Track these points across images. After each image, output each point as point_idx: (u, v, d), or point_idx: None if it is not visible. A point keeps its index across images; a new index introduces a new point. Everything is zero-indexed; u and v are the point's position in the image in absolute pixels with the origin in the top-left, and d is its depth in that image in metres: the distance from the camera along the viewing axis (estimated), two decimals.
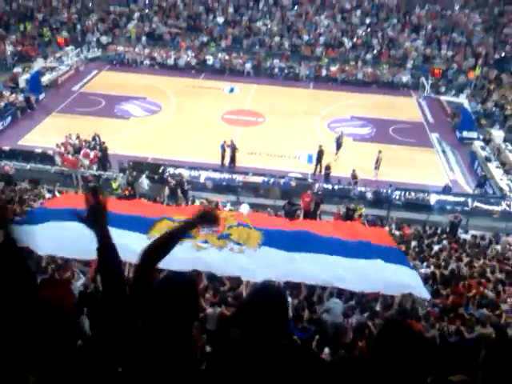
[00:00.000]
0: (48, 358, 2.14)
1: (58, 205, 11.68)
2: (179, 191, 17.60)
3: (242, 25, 34.72)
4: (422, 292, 9.77)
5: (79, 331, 2.54)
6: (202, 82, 30.15)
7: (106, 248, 2.47)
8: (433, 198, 18.60)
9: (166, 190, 17.63)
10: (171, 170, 19.27)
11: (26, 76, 26.75)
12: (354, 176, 19.30)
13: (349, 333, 9.83)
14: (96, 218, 2.50)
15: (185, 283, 2.43)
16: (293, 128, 24.31)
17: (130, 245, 9.26)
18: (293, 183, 19.14)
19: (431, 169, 21.62)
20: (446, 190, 19.26)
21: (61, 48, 31.53)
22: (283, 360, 2.31)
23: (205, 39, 33.92)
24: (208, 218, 2.79)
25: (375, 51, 33.19)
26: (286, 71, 31.49)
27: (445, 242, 15.20)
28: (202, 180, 19.29)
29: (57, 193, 15.83)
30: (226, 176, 19.73)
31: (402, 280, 9.52)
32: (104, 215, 2.51)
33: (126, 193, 17.11)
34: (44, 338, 2.14)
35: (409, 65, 32.00)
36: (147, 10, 35.75)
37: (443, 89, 29.41)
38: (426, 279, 11.58)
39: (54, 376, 2.12)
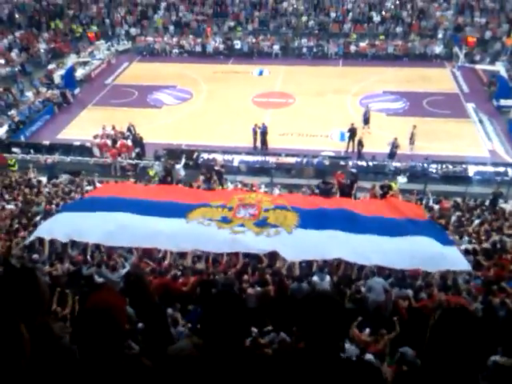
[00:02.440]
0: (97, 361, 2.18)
1: (101, 194, 12.12)
2: (214, 176, 17.83)
3: (268, 7, 34.44)
4: (463, 265, 9.64)
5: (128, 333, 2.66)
6: (230, 66, 30.22)
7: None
8: (471, 170, 18.18)
9: (201, 176, 17.90)
10: (205, 156, 19.51)
11: (61, 72, 27.44)
12: (395, 145, 19.09)
13: (389, 307, 9.91)
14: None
15: (234, 304, 2.34)
16: (324, 107, 24.12)
17: (169, 232, 9.65)
18: (326, 162, 19.06)
19: (469, 140, 21.07)
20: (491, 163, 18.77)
21: (92, 43, 32.20)
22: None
23: (231, 24, 33.87)
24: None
25: (405, 24, 32.35)
26: (314, 50, 31.14)
27: (485, 213, 14.89)
28: (235, 163, 19.47)
29: (97, 183, 16.32)
30: (259, 158, 19.82)
31: (440, 255, 9.41)
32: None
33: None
34: (95, 342, 2.17)
35: (440, 35, 31.05)
36: None
37: (478, 57, 28.42)
38: (467, 252, 11.39)
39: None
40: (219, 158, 19.16)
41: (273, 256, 10.43)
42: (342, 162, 19.12)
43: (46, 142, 20.96)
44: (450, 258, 9.53)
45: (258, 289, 9.84)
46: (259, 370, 2.29)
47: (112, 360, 2.19)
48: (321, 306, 2.28)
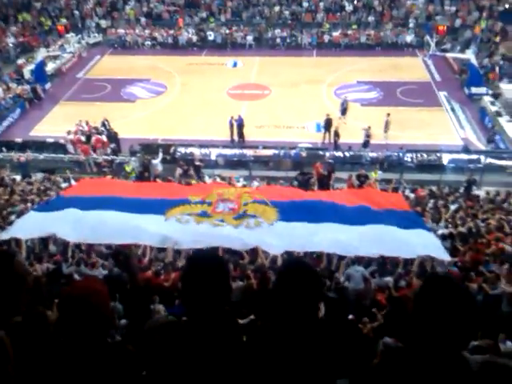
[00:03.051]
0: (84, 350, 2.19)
1: (77, 192, 11.93)
2: (191, 170, 17.75)
3: None
4: (441, 253, 9.86)
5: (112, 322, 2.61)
6: (204, 58, 29.97)
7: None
8: (445, 158, 18.52)
9: (179, 170, 17.79)
10: (182, 150, 19.38)
11: (31, 67, 26.79)
12: (367, 134, 19.29)
13: (369, 296, 10.08)
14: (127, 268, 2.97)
15: (215, 263, 2.36)
16: (299, 98, 24.20)
17: (148, 228, 9.60)
18: (303, 153, 19.16)
19: (442, 128, 21.44)
20: (464, 150, 19.15)
21: (61, 36, 31.47)
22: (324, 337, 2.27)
23: (204, 15, 33.53)
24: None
25: (377, 13, 32.61)
26: (288, 40, 31.12)
27: (460, 200, 15.22)
28: (213, 157, 19.40)
29: (72, 181, 16.05)
30: (237, 151, 19.78)
31: (419, 243, 9.61)
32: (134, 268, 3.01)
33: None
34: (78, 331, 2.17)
35: (412, 24, 31.42)
36: None
37: (448, 45, 28.87)
38: (443, 238, 11.64)
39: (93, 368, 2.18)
40: (196, 151, 19.05)
41: (254, 252, 10.45)
42: (320, 153, 19.26)
43: (19, 140, 20.48)
44: (430, 244, 9.76)
45: (240, 283, 9.88)
46: (241, 336, 2.32)
47: (96, 346, 2.20)
48: (293, 272, 2.32)
